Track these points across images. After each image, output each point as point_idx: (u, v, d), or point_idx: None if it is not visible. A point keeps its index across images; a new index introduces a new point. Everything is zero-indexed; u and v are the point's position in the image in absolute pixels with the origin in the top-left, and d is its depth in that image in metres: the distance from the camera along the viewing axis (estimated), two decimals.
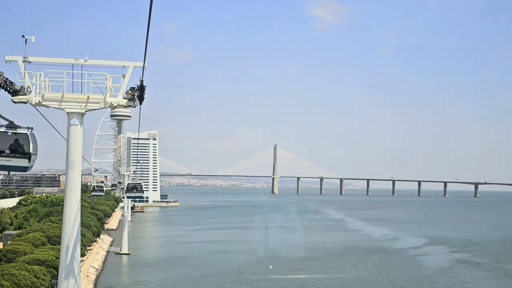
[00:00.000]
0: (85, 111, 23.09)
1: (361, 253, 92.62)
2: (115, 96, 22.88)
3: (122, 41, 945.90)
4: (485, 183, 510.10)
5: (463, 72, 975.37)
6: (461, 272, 75.37)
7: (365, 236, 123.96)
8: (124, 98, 22.85)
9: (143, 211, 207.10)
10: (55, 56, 23.07)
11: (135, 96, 22.60)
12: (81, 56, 22.73)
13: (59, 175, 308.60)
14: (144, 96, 22.24)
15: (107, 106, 23.02)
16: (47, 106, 22.92)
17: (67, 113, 22.92)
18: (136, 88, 22.46)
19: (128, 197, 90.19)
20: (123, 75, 22.70)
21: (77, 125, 22.88)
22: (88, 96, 22.82)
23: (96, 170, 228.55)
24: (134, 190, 74.44)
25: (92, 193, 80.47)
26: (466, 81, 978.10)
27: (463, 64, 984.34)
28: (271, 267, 64.28)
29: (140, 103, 22.87)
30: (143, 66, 20.97)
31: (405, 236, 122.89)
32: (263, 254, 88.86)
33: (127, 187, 76.10)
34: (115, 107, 23.07)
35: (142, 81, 21.66)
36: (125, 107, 23.02)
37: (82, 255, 69.39)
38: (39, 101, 22.10)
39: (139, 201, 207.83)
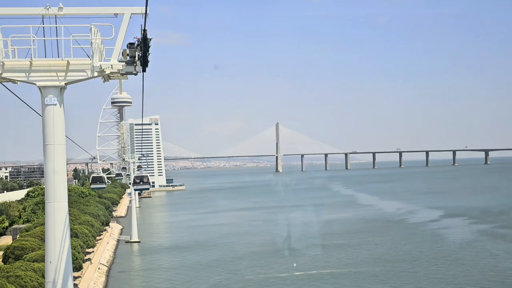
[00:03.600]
0: (66, 84, 16.60)
1: (377, 229, 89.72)
2: (107, 60, 16.50)
3: None
4: (497, 149, 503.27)
5: (469, 39, 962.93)
6: (488, 244, 71.62)
7: (378, 211, 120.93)
8: (121, 61, 16.34)
9: (150, 196, 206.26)
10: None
11: (136, 58, 16.10)
12: (54, 4, 16.17)
13: (67, 164, 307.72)
14: (149, 59, 15.82)
15: (96, 74, 16.44)
16: (13, 81, 16.63)
17: (39, 87, 16.51)
18: (137, 44, 15.67)
19: (135, 190, 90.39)
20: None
21: (55, 104, 16.51)
22: (68, 62, 16.36)
23: (94, 158, 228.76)
24: (141, 183, 76.35)
25: (92, 186, 74.81)
26: (472, 47, 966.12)
27: (467, 30, 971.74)
28: (295, 264, 61.28)
29: (144, 70, 16.29)
30: (145, 13, 14.96)
31: (420, 209, 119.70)
32: (276, 235, 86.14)
33: (134, 180, 77.57)
34: (109, 75, 16.70)
35: (144, 31, 14.96)
36: (122, 74, 16.57)
37: (92, 246, 66.84)
38: None
39: None
